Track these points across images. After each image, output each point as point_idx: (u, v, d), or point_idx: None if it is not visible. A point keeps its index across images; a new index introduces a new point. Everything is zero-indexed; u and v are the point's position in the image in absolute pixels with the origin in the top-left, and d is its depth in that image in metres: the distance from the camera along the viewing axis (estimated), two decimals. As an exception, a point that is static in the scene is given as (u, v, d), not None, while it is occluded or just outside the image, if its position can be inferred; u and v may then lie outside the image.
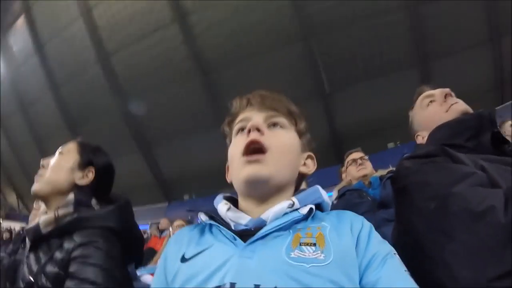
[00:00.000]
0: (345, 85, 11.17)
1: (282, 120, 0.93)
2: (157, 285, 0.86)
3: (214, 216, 0.87)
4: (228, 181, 0.97)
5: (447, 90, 1.29)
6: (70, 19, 12.59)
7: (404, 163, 1.10)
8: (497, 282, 0.73)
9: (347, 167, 2.79)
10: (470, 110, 1.23)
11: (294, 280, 0.67)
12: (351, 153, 2.83)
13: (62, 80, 13.63)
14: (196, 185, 13.77)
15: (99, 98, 13.07)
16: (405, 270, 0.72)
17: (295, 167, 0.92)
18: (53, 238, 1.16)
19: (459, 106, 1.24)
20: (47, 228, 1.16)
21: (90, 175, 1.33)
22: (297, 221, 0.80)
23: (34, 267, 1.10)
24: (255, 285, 0.66)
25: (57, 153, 1.36)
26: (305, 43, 10.80)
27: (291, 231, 0.78)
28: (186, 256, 0.83)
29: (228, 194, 0.97)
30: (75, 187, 1.29)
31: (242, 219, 0.84)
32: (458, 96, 1.30)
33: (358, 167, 2.67)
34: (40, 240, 1.18)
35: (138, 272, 2.59)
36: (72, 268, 1.03)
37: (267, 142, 0.84)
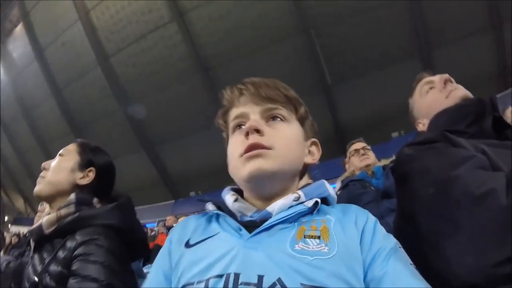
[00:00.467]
0: (347, 77, 11.13)
1: (281, 112, 0.88)
2: (160, 265, 0.85)
3: (221, 206, 0.86)
4: (231, 175, 0.93)
5: (446, 76, 1.28)
6: (68, 23, 12.63)
7: (404, 150, 1.09)
8: (501, 268, 0.71)
9: (349, 158, 2.78)
10: (470, 95, 1.22)
11: (297, 272, 0.66)
12: (353, 143, 2.82)
13: (63, 83, 13.71)
14: (201, 182, 13.78)
15: (101, 100, 13.13)
16: (411, 264, 0.71)
17: (300, 160, 0.89)
18: (56, 238, 1.17)
19: (459, 92, 1.22)
20: (50, 228, 1.18)
21: (91, 175, 1.34)
22: (303, 214, 0.79)
23: (39, 267, 1.11)
24: (259, 275, 0.66)
25: (57, 155, 1.38)
26: (305, 36, 10.75)
27: (296, 223, 0.77)
28: (191, 242, 0.83)
29: (236, 186, 0.94)
30: (76, 188, 1.31)
31: (248, 211, 0.84)
32: (461, 84, 1.28)
33: (360, 157, 2.66)
34: (43, 240, 1.19)
35: (145, 269, 2.60)
36: (75, 266, 1.04)
37: (268, 142, 0.80)
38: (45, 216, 1.23)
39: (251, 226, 0.77)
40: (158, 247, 5.08)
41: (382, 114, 11.11)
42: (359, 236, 0.74)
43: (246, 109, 0.88)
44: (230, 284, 0.66)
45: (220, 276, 0.68)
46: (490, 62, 10.66)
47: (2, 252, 5.89)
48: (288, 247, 0.71)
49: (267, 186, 0.83)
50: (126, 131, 13.33)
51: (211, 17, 11.02)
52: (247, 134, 0.81)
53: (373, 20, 10.17)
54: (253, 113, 0.86)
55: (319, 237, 0.73)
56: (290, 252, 0.70)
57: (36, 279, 1.07)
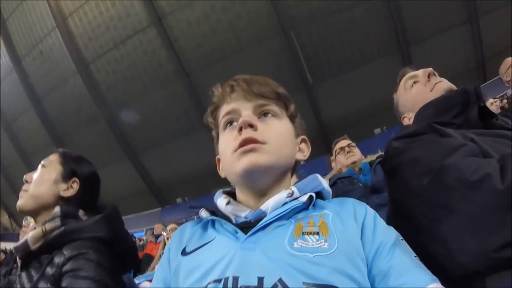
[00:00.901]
0: (327, 76, 11.23)
1: (273, 108, 0.88)
2: (160, 274, 0.84)
3: (214, 211, 0.86)
4: (221, 175, 0.93)
5: (430, 69, 1.29)
6: (46, 30, 12.35)
7: (392, 143, 1.09)
8: (502, 252, 0.71)
9: (335, 156, 2.79)
10: (454, 87, 1.23)
11: (298, 271, 0.65)
12: (338, 141, 2.83)
13: (43, 93, 13.38)
14: (187, 187, 13.71)
15: (82, 108, 12.89)
16: (415, 256, 0.71)
17: (291, 155, 0.88)
18: (43, 254, 1.13)
19: (443, 85, 1.24)
20: (36, 244, 1.13)
21: (75, 186, 1.30)
22: (298, 210, 0.79)
23: (27, 286, 1.07)
24: (259, 277, 0.64)
25: (39, 166, 1.33)
26: (284, 37, 10.79)
27: (292, 220, 0.76)
28: (187, 250, 0.81)
29: (228, 189, 0.94)
30: (60, 200, 1.26)
31: (242, 212, 0.82)
32: (441, 76, 1.30)
33: (346, 155, 2.68)
34: (30, 257, 1.14)
35: (137, 280, 2.55)
36: (64, 283, 1.00)
37: (262, 137, 0.80)
38: (30, 232, 1.18)
39: (246, 227, 0.76)
40: (148, 257, 5.04)
41: (364, 110, 11.27)
42: (360, 230, 0.74)
43: (237, 105, 0.87)
44: None
45: (219, 280, 0.67)
46: (467, 56, 10.94)
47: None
48: (287, 245, 0.70)
49: (262, 180, 0.82)
50: (109, 139, 13.12)
51: (189, 21, 10.97)
52: (240, 130, 0.80)
53: (351, 19, 10.32)
54: (245, 109, 0.86)
55: (318, 233, 0.72)
56: (289, 250, 0.69)
57: None
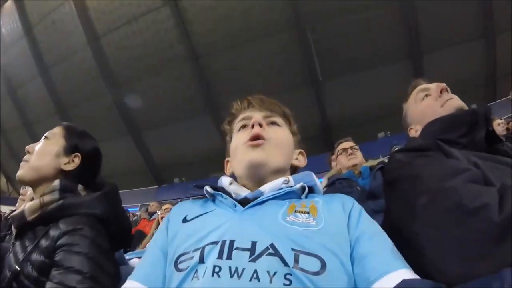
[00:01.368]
0: (337, 74, 11.14)
1: (279, 119, 1.07)
2: (158, 240, 0.92)
3: (218, 188, 0.98)
4: (228, 174, 1.08)
5: (443, 85, 1.28)
6: (60, 1, 12.26)
7: (396, 155, 1.10)
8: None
9: (337, 156, 2.80)
10: (465, 106, 1.23)
11: (288, 238, 0.74)
12: (341, 142, 2.85)
13: (51, 63, 13.27)
14: (186, 169, 13.75)
15: (89, 82, 12.80)
16: (392, 244, 0.79)
17: (289, 158, 1.04)
18: (39, 225, 1.14)
19: (455, 102, 1.23)
20: (32, 215, 1.14)
21: (76, 160, 1.30)
22: (292, 197, 0.91)
23: (20, 255, 1.07)
24: (252, 241, 0.73)
25: (42, 138, 1.33)
26: (297, 31, 10.69)
27: (287, 201, 0.88)
28: (188, 218, 0.92)
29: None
30: (60, 173, 1.27)
31: (243, 192, 0.94)
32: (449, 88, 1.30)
33: (348, 157, 2.69)
34: (26, 227, 1.15)
35: (127, 256, 2.57)
36: (58, 256, 1.01)
37: (267, 136, 0.97)
38: (27, 202, 1.19)
39: (245, 203, 0.88)
40: (140, 233, 5.08)
41: (370, 113, 11.20)
42: (346, 217, 0.83)
43: (251, 114, 1.05)
44: (226, 249, 0.72)
45: (216, 242, 0.75)
46: (479, 72, 10.83)
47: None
48: (280, 218, 0.80)
49: (262, 173, 0.94)
50: (113, 115, 13.09)
51: (203, 5, 10.82)
52: (252, 127, 0.97)
53: (366, 20, 10.18)
54: (257, 115, 1.03)
55: (308, 213, 0.83)
56: (281, 222, 0.79)
57: (18, 268, 1.03)
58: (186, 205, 1.01)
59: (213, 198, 0.97)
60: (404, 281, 0.66)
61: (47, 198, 1.16)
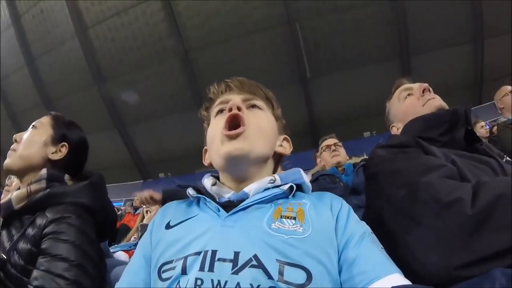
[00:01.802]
0: (325, 72, 11.20)
1: (260, 102, 0.97)
2: (142, 247, 0.89)
3: (201, 190, 0.92)
4: (206, 164, 1.01)
5: (425, 85, 1.33)
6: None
7: (377, 151, 1.14)
8: (463, 270, 0.75)
9: (321, 153, 2.84)
10: (446, 106, 1.27)
11: (273, 249, 0.70)
12: (325, 139, 2.88)
13: (38, 53, 12.96)
14: (172, 165, 13.65)
15: (75, 73, 12.59)
16: (381, 248, 0.76)
17: (272, 144, 0.95)
18: (26, 214, 1.14)
19: (436, 102, 1.28)
20: (19, 204, 1.15)
21: (64, 150, 1.31)
22: (279, 198, 0.85)
23: (7, 244, 1.08)
24: (235, 252, 0.69)
25: (30, 127, 1.34)
26: (287, 27, 10.69)
27: (272, 204, 0.82)
28: (171, 224, 0.87)
29: (215, 174, 0.99)
30: (48, 162, 1.27)
31: (226, 193, 0.89)
32: (435, 92, 1.34)
33: (332, 153, 2.72)
34: (12, 216, 1.16)
35: (112, 249, 2.58)
36: (44, 244, 1.02)
37: (246, 120, 0.87)
38: (14, 191, 1.19)
39: (229, 207, 0.82)
40: (125, 227, 5.05)
41: (356, 112, 11.31)
42: (334, 220, 0.79)
43: (229, 97, 0.96)
44: (207, 261, 0.69)
45: (198, 253, 0.71)
46: (466, 75, 11.01)
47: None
48: (265, 225, 0.75)
49: (241, 167, 0.88)
50: (99, 108, 12.91)
51: (195, -1, 10.78)
52: (229, 111, 0.88)
53: (356, 19, 10.25)
54: (236, 99, 0.94)
55: (294, 218, 0.77)
56: (266, 229, 0.74)
57: (4, 256, 1.04)
58: (170, 208, 0.95)
59: (197, 199, 0.91)
60: None
61: (34, 187, 1.17)
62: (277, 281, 0.65)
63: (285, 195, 0.86)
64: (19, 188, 1.21)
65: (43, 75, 13.29)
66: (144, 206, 4.79)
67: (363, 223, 0.83)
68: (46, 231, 1.04)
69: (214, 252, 0.70)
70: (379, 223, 0.97)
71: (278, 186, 0.86)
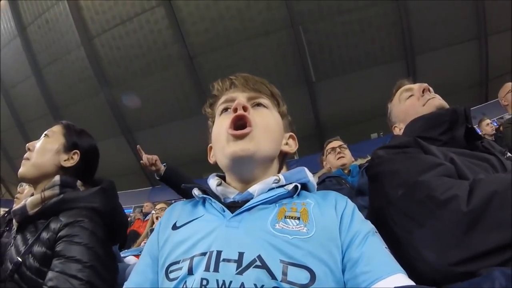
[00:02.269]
0: (331, 74, 11.19)
1: (265, 100, 0.97)
2: (149, 248, 0.91)
3: (206, 190, 0.93)
4: (211, 162, 1.00)
5: (425, 85, 1.35)
6: (53, 0, 12.20)
7: (377, 152, 1.16)
8: (459, 267, 0.77)
9: (326, 155, 2.86)
10: (446, 105, 1.29)
11: (276, 249, 0.70)
12: (330, 141, 2.90)
13: (44, 62, 13.13)
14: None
15: (82, 82, 12.72)
16: (385, 247, 0.76)
17: (278, 144, 0.95)
18: (40, 219, 1.19)
19: (436, 101, 1.30)
20: (34, 209, 1.19)
21: (75, 157, 1.35)
22: (283, 197, 0.85)
23: (22, 248, 1.12)
24: (240, 252, 0.70)
25: (42, 136, 1.38)
26: (291, 31, 10.71)
27: (277, 205, 0.83)
28: (177, 224, 0.88)
29: (221, 174, 1.00)
30: (60, 169, 1.32)
31: (231, 194, 0.89)
32: (440, 91, 1.36)
33: (337, 156, 2.74)
34: (27, 221, 1.20)
35: (122, 254, 2.62)
36: (59, 247, 1.07)
37: (252, 120, 0.87)
38: (27, 197, 1.24)
39: (234, 207, 0.83)
40: (134, 233, 5.09)
41: (363, 114, 11.25)
42: (338, 220, 0.79)
43: (234, 95, 0.95)
44: (212, 261, 0.70)
45: (204, 254, 0.73)
46: (472, 73, 10.93)
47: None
48: (269, 225, 0.76)
49: (247, 167, 0.88)
50: (106, 115, 13.03)
51: (198, 5, 10.81)
52: (235, 111, 0.87)
53: (360, 21, 10.25)
54: (241, 97, 0.94)
55: (298, 218, 0.78)
56: (270, 230, 0.75)
57: (20, 259, 1.08)
58: (177, 209, 0.96)
59: (203, 199, 0.92)
60: None
61: (48, 193, 1.22)
62: (280, 281, 0.65)
63: (290, 195, 0.86)
64: (32, 195, 1.26)
65: (50, 84, 13.43)
66: (154, 212, 4.84)
67: (368, 222, 0.83)
68: (60, 234, 1.09)
69: (219, 253, 0.71)
70: (381, 223, 1.00)
71: (282, 186, 0.87)
